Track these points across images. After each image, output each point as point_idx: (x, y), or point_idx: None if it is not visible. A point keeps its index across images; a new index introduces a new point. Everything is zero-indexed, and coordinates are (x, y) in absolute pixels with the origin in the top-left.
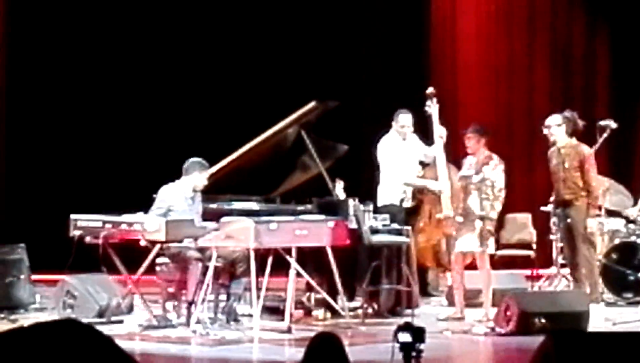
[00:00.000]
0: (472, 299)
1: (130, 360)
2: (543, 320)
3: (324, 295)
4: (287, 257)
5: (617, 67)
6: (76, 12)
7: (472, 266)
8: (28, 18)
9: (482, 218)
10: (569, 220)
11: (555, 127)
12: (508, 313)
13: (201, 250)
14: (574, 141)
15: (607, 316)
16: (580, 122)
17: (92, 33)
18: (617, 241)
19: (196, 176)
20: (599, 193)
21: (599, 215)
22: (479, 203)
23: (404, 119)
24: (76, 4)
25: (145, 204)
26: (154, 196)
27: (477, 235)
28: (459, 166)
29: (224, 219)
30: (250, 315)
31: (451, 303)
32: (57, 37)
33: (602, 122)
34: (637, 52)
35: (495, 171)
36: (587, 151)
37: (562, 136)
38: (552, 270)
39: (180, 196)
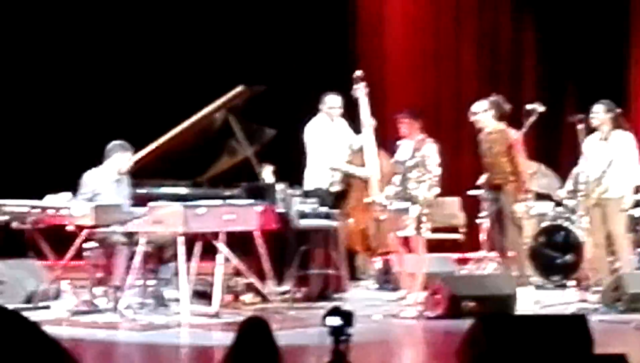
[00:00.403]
0: (399, 283)
1: (57, 345)
2: (472, 304)
3: (252, 279)
4: (215, 242)
5: (544, 50)
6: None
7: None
8: None
9: (418, 202)
10: (498, 204)
11: (482, 113)
12: (437, 296)
13: (129, 234)
14: (501, 125)
15: (535, 299)
16: (507, 106)
17: (20, 17)
18: (544, 224)
19: (118, 157)
20: (527, 177)
21: (527, 199)
22: (415, 186)
23: (331, 100)
24: None
25: (69, 189)
26: (79, 181)
27: (413, 219)
28: (388, 150)
29: (152, 204)
30: (179, 300)
31: (381, 287)
32: None
33: (529, 106)
34: (564, 36)
35: (430, 154)
36: (514, 135)
37: (490, 121)
38: (481, 253)
39: (105, 180)
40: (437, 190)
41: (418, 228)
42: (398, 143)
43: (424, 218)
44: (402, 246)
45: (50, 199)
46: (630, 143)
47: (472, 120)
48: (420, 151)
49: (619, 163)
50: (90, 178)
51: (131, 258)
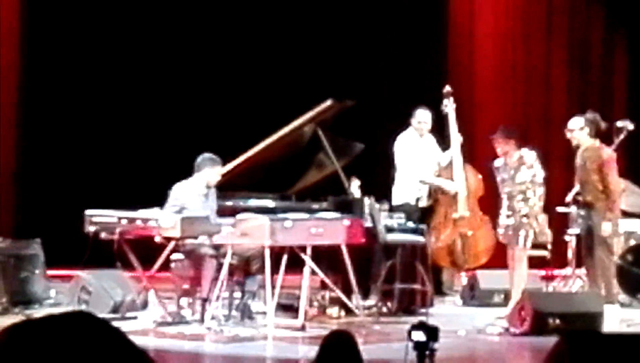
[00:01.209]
0: (485, 299)
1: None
2: (557, 321)
3: (338, 293)
4: (302, 255)
5: (635, 67)
6: (93, 10)
7: (485, 265)
8: (45, 16)
9: (527, 216)
10: (588, 222)
11: (578, 130)
12: (522, 313)
13: (216, 247)
14: (597, 143)
15: (622, 317)
16: (603, 124)
17: (108, 28)
18: (632, 242)
19: (208, 171)
20: (618, 195)
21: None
22: (523, 203)
23: (421, 115)
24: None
25: (160, 201)
26: (168, 192)
27: (522, 234)
28: (476, 166)
29: (239, 216)
30: (265, 313)
31: (466, 302)
32: (73, 33)
33: (619, 123)
34: None
35: (533, 169)
36: (607, 153)
37: (585, 138)
38: (567, 270)
39: (193, 193)
40: (541, 202)
41: (525, 243)
42: (495, 163)
43: (530, 233)
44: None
45: (142, 213)
46: None
47: (568, 136)
48: (523, 167)
49: None
50: (179, 191)
51: (218, 270)
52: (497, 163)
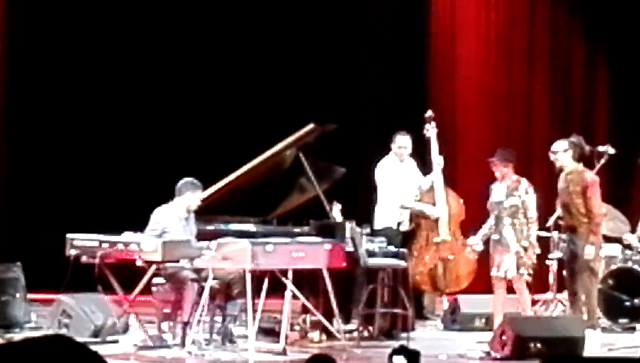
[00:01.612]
0: (467, 323)
1: None
2: (539, 345)
3: (319, 317)
4: (284, 279)
5: (616, 93)
6: (72, 34)
7: (466, 290)
8: (27, 37)
9: (519, 245)
10: (572, 246)
11: (562, 153)
12: (504, 337)
13: (197, 270)
14: (580, 166)
15: (603, 341)
16: (587, 147)
17: (89, 57)
18: (613, 267)
19: (189, 196)
20: (601, 219)
21: (599, 242)
22: (512, 229)
23: (401, 140)
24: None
25: (141, 224)
26: (150, 216)
27: (514, 260)
28: (458, 191)
29: (220, 240)
30: (246, 337)
31: (448, 327)
32: (55, 59)
33: (601, 148)
34: (637, 78)
35: (527, 195)
36: (591, 176)
37: (569, 161)
38: (549, 295)
39: (174, 217)
40: (535, 230)
41: (519, 270)
42: (492, 186)
43: (526, 260)
44: (503, 286)
45: (127, 236)
46: None
47: (552, 159)
48: (517, 192)
49: None
50: (160, 215)
51: (199, 294)
52: (494, 185)
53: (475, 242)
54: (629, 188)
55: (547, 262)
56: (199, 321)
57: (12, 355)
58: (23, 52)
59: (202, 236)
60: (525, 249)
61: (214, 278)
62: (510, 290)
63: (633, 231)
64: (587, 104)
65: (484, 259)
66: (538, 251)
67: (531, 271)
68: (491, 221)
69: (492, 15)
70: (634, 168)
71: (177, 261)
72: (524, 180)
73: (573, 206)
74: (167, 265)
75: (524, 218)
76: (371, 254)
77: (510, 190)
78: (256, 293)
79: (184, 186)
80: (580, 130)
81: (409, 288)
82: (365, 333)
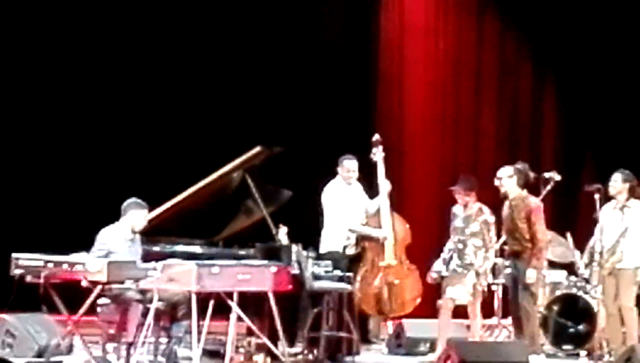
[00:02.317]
0: (412, 348)
1: None
2: None
3: (264, 340)
4: (229, 301)
5: (563, 118)
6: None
7: (411, 314)
8: None
9: (476, 271)
10: (514, 271)
11: (507, 178)
12: (448, 362)
13: (142, 291)
14: (524, 192)
15: None
16: (532, 174)
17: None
18: (558, 292)
19: (133, 215)
20: (545, 245)
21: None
22: (473, 254)
23: (349, 164)
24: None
25: (87, 245)
26: (95, 236)
27: (470, 286)
28: (404, 215)
29: (166, 261)
30: (190, 358)
31: (392, 351)
32: None
33: (547, 174)
34: (584, 104)
35: (487, 224)
36: (535, 202)
37: (513, 188)
38: (493, 320)
39: (120, 238)
40: (492, 257)
41: (474, 295)
42: (454, 209)
43: (478, 287)
44: (450, 311)
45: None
46: None
47: (497, 184)
48: (479, 218)
49: (634, 232)
50: (106, 235)
51: (144, 315)
52: (456, 209)
53: (439, 269)
54: (575, 215)
55: (492, 288)
56: (143, 342)
57: None
58: None
59: (147, 257)
60: (479, 275)
61: (159, 300)
62: (455, 315)
63: (581, 256)
64: (535, 130)
65: (429, 284)
66: (491, 279)
67: (481, 298)
68: (450, 245)
69: (440, 40)
70: (579, 194)
71: (123, 282)
72: (485, 208)
73: (517, 231)
74: (112, 285)
75: (483, 245)
76: (317, 277)
77: (473, 217)
78: (201, 315)
79: (129, 206)
80: (528, 155)
81: (354, 312)
82: (310, 357)
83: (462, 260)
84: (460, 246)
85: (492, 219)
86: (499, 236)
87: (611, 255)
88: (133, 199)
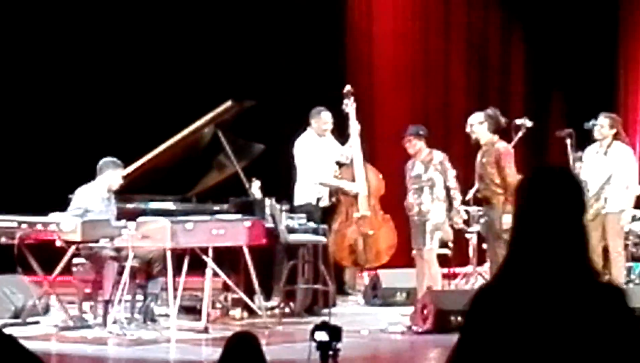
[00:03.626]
0: (388, 298)
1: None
2: (460, 318)
3: (240, 294)
4: (204, 257)
5: (532, 64)
6: None
7: (387, 264)
8: None
9: (433, 217)
10: (487, 218)
11: (477, 125)
12: (425, 311)
13: (117, 249)
14: (495, 138)
15: None
16: (503, 120)
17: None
18: None
19: (110, 174)
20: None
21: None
22: (430, 201)
23: (325, 116)
24: None
25: (61, 205)
26: (70, 196)
27: (427, 232)
28: (377, 166)
29: (140, 219)
30: (167, 315)
31: (369, 302)
32: None
33: (518, 121)
34: (553, 49)
35: (442, 167)
36: (504, 146)
37: (484, 134)
38: (469, 268)
39: (97, 197)
40: (459, 199)
41: (429, 242)
42: (407, 164)
43: (437, 233)
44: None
45: (43, 217)
46: (630, 157)
47: (467, 131)
48: (433, 164)
49: (617, 178)
50: (82, 195)
51: (120, 273)
52: (409, 163)
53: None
54: (545, 161)
55: (467, 236)
56: (120, 300)
57: None
58: None
59: (121, 215)
60: (442, 223)
61: (134, 257)
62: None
63: None
64: (504, 77)
65: (405, 233)
66: (460, 222)
67: (451, 245)
68: (410, 197)
69: None
70: (548, 140)
71: (97, 241)
72: (436, 152)
73: (487, 176)
74: (87, 244)
75: (443, 190)
76: (291, 230)
77: (426, 163)
78: (177, 271)
79: (105, 165)
80: (498, 103)
81: (330, 264)
82: (287, 310)
83: (420, 209)
84: (420, 194)
85: (447, 163)
86: (472, 184)
87: (595, 201)
88: (109, 159)
